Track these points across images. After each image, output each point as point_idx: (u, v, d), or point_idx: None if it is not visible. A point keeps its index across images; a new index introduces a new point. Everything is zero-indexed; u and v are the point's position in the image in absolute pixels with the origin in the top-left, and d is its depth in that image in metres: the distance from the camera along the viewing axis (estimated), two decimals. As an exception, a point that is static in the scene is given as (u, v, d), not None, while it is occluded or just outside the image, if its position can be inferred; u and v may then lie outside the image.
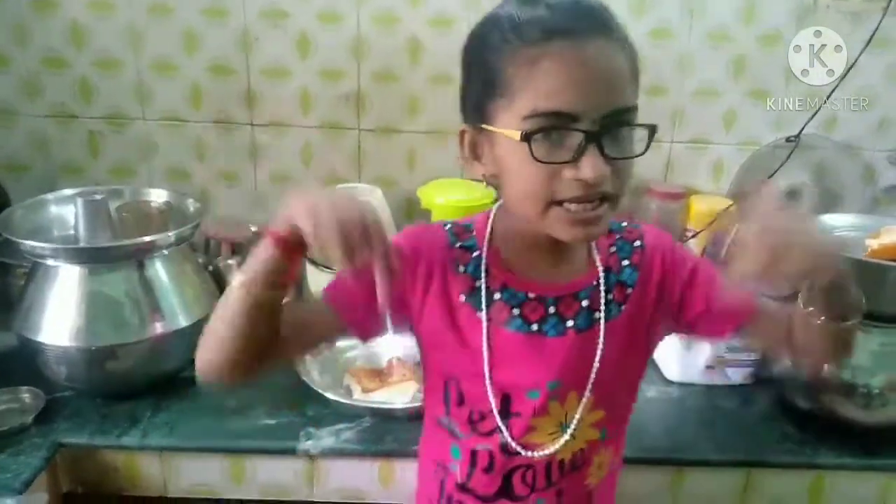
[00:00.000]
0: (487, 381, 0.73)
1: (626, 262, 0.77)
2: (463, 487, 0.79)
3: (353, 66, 1.44)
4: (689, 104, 1.48)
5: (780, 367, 1.12)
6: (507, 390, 0.74)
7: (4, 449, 0.98)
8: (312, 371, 1.15)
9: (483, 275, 0.74)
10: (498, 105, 0.64)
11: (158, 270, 1.07)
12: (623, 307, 0.75)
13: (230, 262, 1.30)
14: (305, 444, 1.02)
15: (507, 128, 0.64)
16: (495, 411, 0.74)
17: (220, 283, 1.25)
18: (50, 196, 1.14)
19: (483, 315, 0.73)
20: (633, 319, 0.76)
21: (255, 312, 0.65)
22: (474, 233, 0.76)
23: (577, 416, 0.75)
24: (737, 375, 1.21)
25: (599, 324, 0.74)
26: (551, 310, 0.74)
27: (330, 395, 1.08)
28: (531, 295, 0.74)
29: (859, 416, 1.06)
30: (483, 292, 0.73)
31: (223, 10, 1.40)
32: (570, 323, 0.74)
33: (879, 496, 1.10)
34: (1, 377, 1.10)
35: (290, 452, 1.03)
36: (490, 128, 0.66)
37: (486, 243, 0.75)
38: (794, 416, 1.12)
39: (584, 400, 0.75)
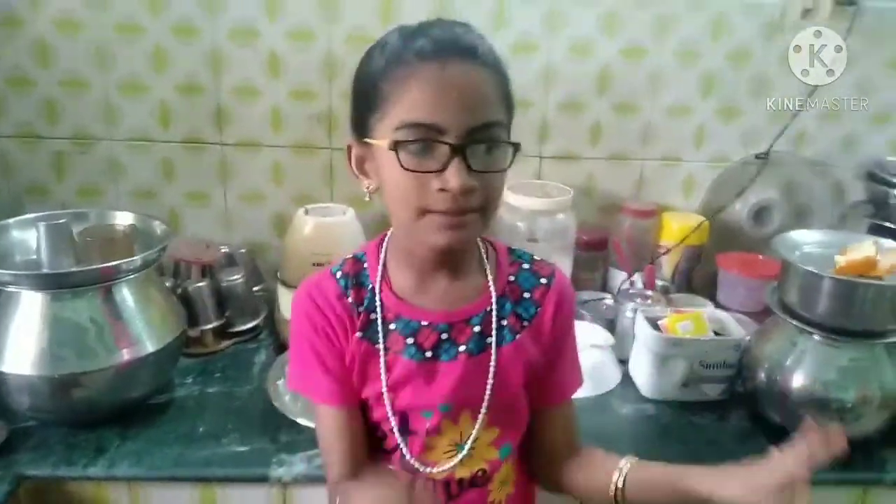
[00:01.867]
0: (387, 404, 0.78)
1: (526, 295, 0.81)
2: None
3: (325, 85, 1.43)
4: (661, 121, 1.50)
5: (756, 383, 1.12)
6: (404, 410, 0.79)
7: (-36, 484, 0.95)
8: (285, 396, 1.13)
9: (378, 307, 0.78)
10: (375, 118, 0.70)
11: (124, 295, 1.05)
12: (516, 336, 0.79)
13: (199, 284, 1.28)
14: (278, 471, 1.00)
15: (381, 139, 0.69)
16: (395, 430, 0.79)
17: (189, 306, 1.23)
18: (11, 220, 1.11)
19: (381, 346, 0.78)
20: (522, 351, 0.80)
21: None
22: (365, 264, 0.81)
23: (473, 435, 0.79)
24: (712, 391, 1.21)
25: (491, 348, 0.78)
26: (444, 336, 0.78)
27: (302, 421, 1.06)
28: (424, 322, 0.78)
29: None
30: (379, 325, 0.78)
31: (193, 30, 1.39)
32: (462, 348, 0.78)
33: (854, 510, 1.10)
34: (-39, 408, 1.07)
35: (262, 480, 1.00)
36: (369, 140, 0.71)
37: (378, 274, 0.79)
38: (770, 432, 1.12)
39: (480, 419, 0.79)
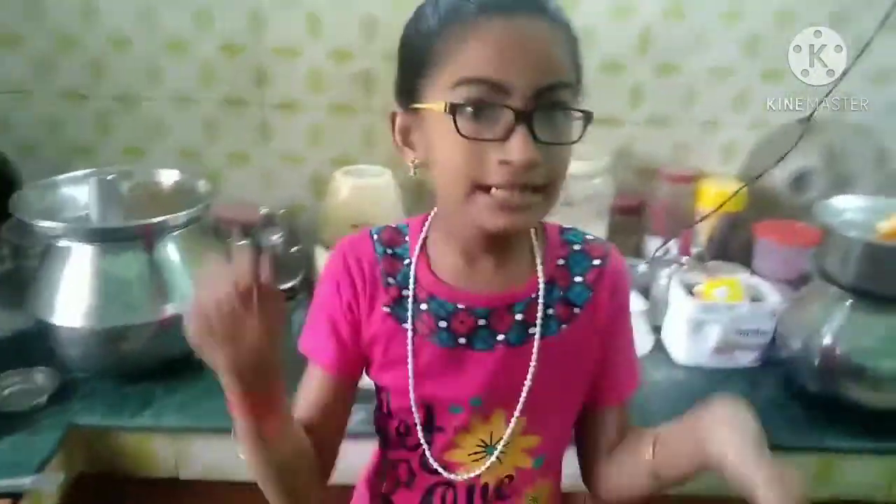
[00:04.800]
0: (411, 394, 0.70)
1: (578, 279, 0.72)
2: (386, 500, 0.78)
3: (364, 45, 1.43)
4: (702, 84, 1.47)
5: (791, 350, 1.12)
6: (430, 402, 0.71)
7: (20, 429, 1.00)
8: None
9: (411, 284, 0.71)
10: (425, 82, 0.62)
11: (169, 251, 1.08)
12: (564, 326, 0.71)
13: (241, 243, 1.31)
14: (316, 425, 1.03)
15: (433, 103, 0.61)
16: (419, 425, 0.72)
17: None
18: (61, 177, 1.15)
19: (408, 326, 0.70)
20: (573, 342, 0.72)
21: (278, 466, 0.69)
22: (407, 237, 0.74)
23: (505, 438, 0.71)
24: (745, 359, 1.21)
25: (534, 339, 0.70)
26: (481, 322, 0.70)
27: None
28: (460, 306, 0.70)
29: (868, 400, 1.06)
30: (410, 303, 0.70)
31: (233, -11, 1.39)
32: (500, 337, 0.70)
33: (888, 480, 1.10)
34: (16, 358, 1.12)
35: (301, 432, 1.03)
36: (418, 106, 0.63)
37: (416, 249, 0.72)
38: (803, 400, 1.12)
39: (514, 421, 0.71)
